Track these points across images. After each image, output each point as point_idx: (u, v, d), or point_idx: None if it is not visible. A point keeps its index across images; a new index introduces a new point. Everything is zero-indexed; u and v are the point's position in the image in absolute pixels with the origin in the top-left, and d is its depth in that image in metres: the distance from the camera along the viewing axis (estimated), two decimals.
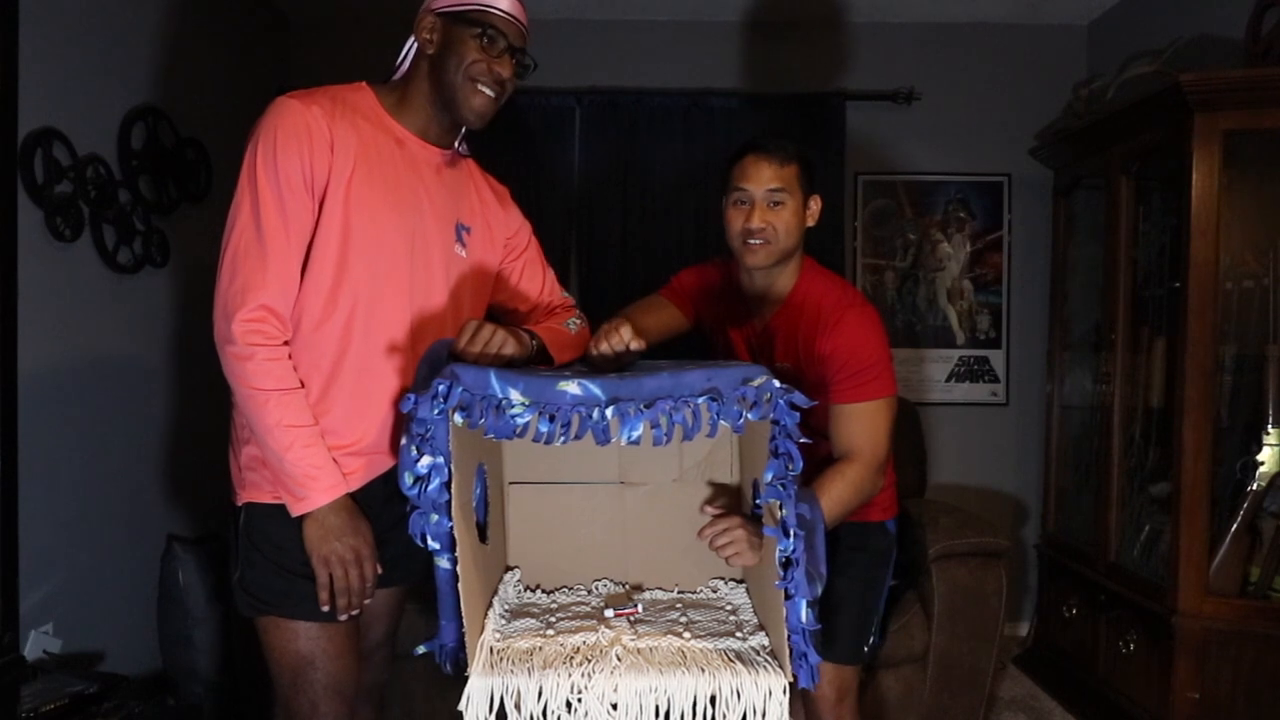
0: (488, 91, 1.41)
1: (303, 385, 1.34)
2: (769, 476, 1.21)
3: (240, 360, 1.28)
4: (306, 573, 1.35)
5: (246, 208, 1.31)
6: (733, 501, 1.59)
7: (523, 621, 1.42)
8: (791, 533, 1.22)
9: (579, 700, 1.23)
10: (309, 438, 1.32)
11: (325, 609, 1.35)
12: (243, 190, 1.32)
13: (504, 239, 1.62)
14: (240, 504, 1.41)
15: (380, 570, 1.40)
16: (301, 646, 1.38)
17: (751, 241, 1.62)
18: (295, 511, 1.33)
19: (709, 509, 1.51)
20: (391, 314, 1.40)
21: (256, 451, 1.36)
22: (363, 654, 1.54)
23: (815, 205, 1.69)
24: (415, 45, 1.44)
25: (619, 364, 1.39)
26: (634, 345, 1.40)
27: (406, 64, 1.47)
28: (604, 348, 1.40)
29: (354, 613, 1.38)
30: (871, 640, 1.78)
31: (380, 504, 1.42)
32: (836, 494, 1.51)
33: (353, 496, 1.38)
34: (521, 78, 1.46)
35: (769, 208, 1.61)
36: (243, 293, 1.28)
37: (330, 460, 1.34)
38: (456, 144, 1.51)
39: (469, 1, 1.38)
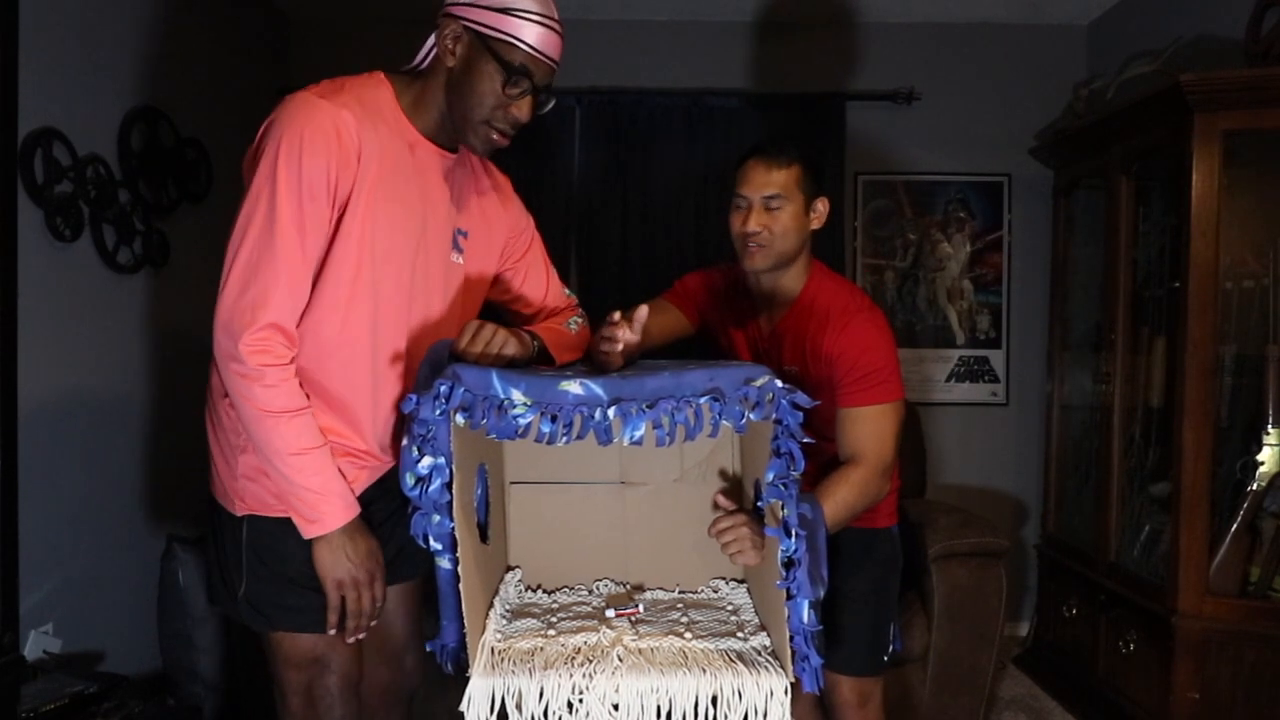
0: (501, 133, 1.34)
1: (309, 397, 1.30)
2: (770, 476, 1.21)
3: (247, 381, 1.22)
4: (316, 585, 1.33)
5: (261, 213, 1.22)
6: (735, 503, 1.59)
7: (524, 622, 1.42)
8: (793, 533, 1.22)
9: (580, 701, 1.23)
10: (319, 460, 1.27)
11: (332, 631, 1.34)
12: (259, 192, 1.22)
13: (504, 238, 1.58)
14: (240, 515, 1.35)
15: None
16: (319, 652, 1.37)
17: (750, 244, 1.63)
18: (307, 534, 1.29)
19: (721, 499, 1.51)
20: (395, 323, 1.38)
21: (256, 461, 1.31)
22: (389, 658, 1.55)
23: (821, 207, 1.67)
24: (435, 47, 1.33)
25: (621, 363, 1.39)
26: (629, 335, 1.36)
27: (427, 61, 1.37)
28: (605, 348, 1.38)
29: (361, 636, 1.37)
30: (891, 648, 1.75)
31: (367, 503, 1.40)
32: (841, 497, 1.50)
33: None
34: (538, 114, 1.35)
35: (765, 211, 1.61)
36: (253, 309, 1.21)
37: (341, 481, 1.30)
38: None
39: (500, 28, 1.25)
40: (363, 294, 1.32)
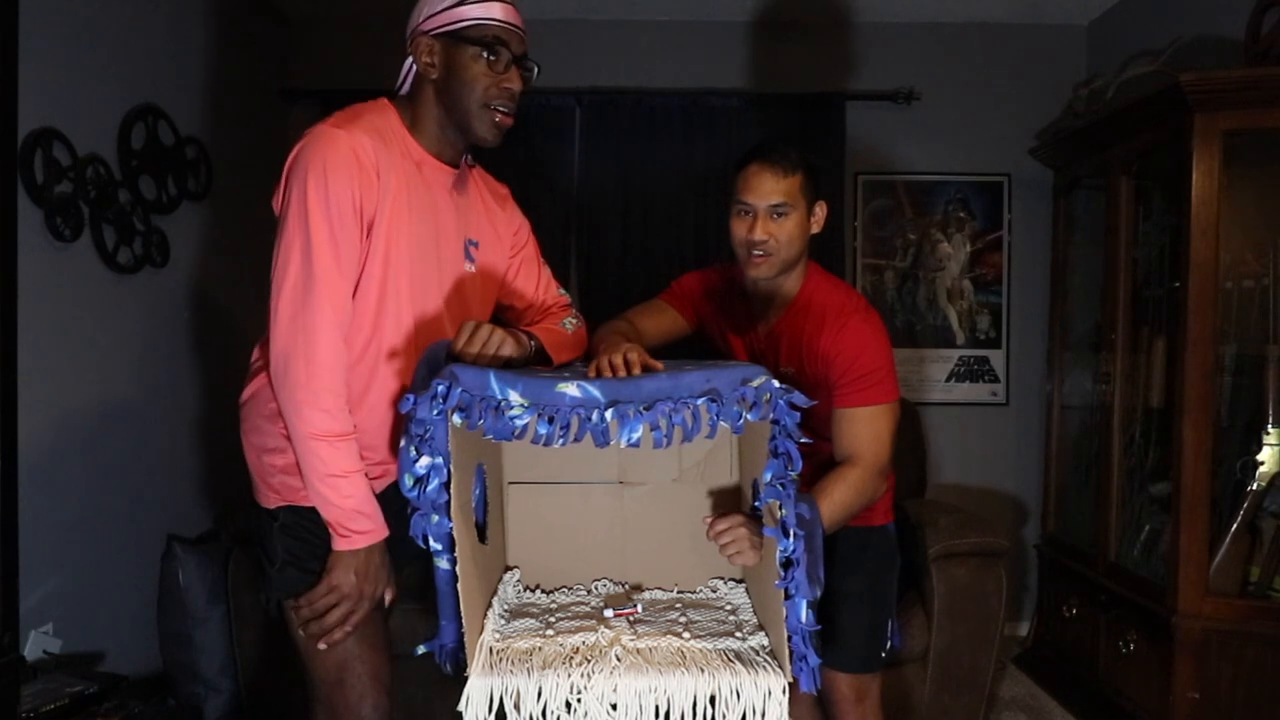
0: (504, 112, 1.41)
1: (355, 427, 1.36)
2: (768, 476, 1.21)
3: (300, 404, 1.30)
4: None
5: (299, 245, 1.30)
6: (733, 503, 1.59)
7: (522, 622, 1.42)
8: (791, 533, 1.22)
9: (578, 700, 1.23)
10: (356, 484, 1.33)
11: (299, 609, 1.36)
12: (294, 225, 1.30)
13: (509, 243, 1.63)
14: (275, 507, 1.41)
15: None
16: (345, 641, 1.39)
17: (755, 253, 1.62)
18: (337, 547, 1.35)
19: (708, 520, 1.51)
20: (421, 333, 1.42)
21: (285, 460, 1.38)
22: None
23: (821, 212, 1.67)
24: (414, 68, 1.42)
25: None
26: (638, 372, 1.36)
27: (407, 85, 1.46)
28: (608, 374, 1.36)
29: (325, 644, 1.38)
30: (889, 645, 1.76)
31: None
32: (838, 497, 1.50)
33: None
34: (528, 84, 1.44)
35: (772, 219, 1.60)
36: (306, 334, 1.29)
37: (374, 504, 1.36)
38: (464, 159, 1.52)
39: (464, 18, 1.36)
40: (389, 307, 1.38)
